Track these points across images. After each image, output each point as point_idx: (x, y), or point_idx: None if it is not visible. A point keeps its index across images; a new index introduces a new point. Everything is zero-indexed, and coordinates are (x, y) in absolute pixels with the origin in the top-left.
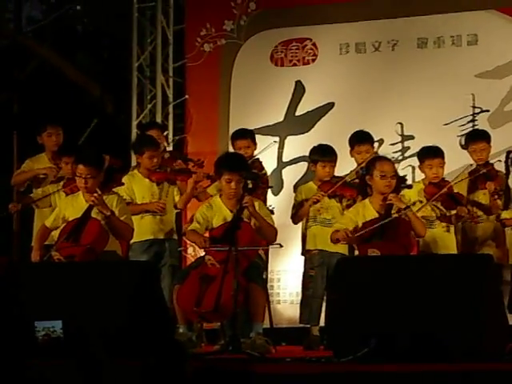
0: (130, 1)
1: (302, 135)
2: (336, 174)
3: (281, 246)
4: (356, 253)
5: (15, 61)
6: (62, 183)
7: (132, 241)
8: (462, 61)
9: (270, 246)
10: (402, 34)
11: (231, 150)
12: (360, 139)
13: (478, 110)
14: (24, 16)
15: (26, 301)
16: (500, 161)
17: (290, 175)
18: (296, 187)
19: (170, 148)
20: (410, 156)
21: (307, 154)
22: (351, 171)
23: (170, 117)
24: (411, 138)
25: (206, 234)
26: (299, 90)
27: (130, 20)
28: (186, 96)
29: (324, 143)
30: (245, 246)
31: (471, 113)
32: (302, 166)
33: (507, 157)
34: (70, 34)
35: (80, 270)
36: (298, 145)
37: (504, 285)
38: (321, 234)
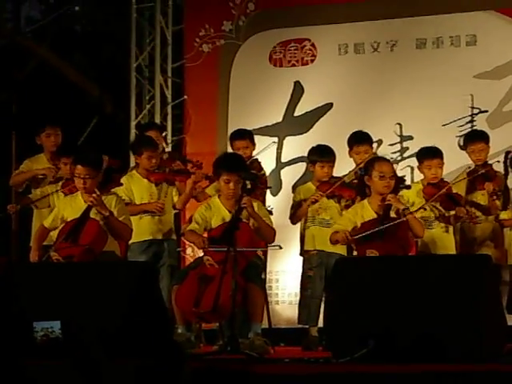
0: (129, 1)
1: (300, 136)
2: (335, 174)
3: (280, 248)
4: (354, 253)
5: (14, 61)
6: (60, 184)
7: (131, 241)
8: (461, 61)
9: (270, 248)
10: (400, 35)
11: (230, 150)
12: (359, 140)
13: (477, 111)
14: (23, 16)
15: (25, 301)
16: (499, 161)
17: (289, 176)
18: (295, 188)
19: (169, 149)
20: (408, 156)
21: (306, 154)
22: (350, 172)
23: (169, 117)
24: (410, 138)
25: (205, 235)
26: (298, 90)
27: (129, 20)
28: (185, 96)
29: (323, 144)
30: (243, 247)
31: (470, 113)
32: (301, 167)
33: (506, 157)
34: (69, 34)
35: (79, 270)
36: (297, 145)
37: (502, 285)
38: (319, 235)
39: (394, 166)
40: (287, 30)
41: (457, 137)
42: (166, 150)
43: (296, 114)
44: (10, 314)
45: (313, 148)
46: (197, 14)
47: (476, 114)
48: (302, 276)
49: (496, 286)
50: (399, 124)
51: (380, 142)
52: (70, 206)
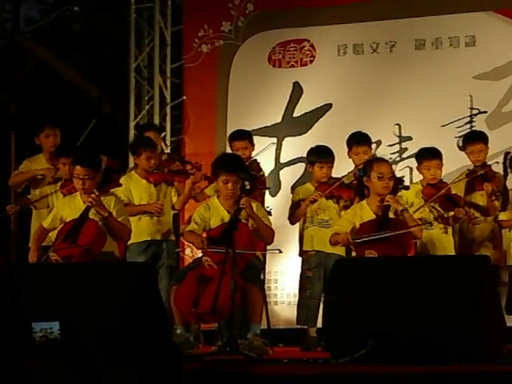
0: (128, 2)
1: (299, 136)
2: (334, 175)
3: (280, 252)
4: (353, 254)
5: (13, 61)
6: (59, 184)
7: (129, 242)
8: (460, 62)
9: (269, 251)
10: (399, 36)
11: (229, 151)
12: (358, 140)
13: (476, 112)
14: (22, 16)
15: (24, 302)
16: (498, 162)
17: (288, 176)
18: (293, 188)
19: (168, 150)
20: (407, 157)
21: (305, 155)
22: (349, 172)
23: (168, 118)
24: (409, 139)
25: (204, 235)
26: (297, 91)
27: (128, 21)
28: (184, 97)
29: (321, 144)
30: (242, 247)
31: (469, 114)
32: (300, 167)
33: (505, 158)
34: (68, 34)
35: (77, 270)
36: (296, 146)
37: (501, 286)
38: (318, 235)
39: (393, 166)
40: (286, 31)
41: (456, 137)
42: (165, 150)
43: (295, 114)
44: (9, 314)
45: (312, 149)
46: (196, 14)
47: (475, 115)
48: (301, 276)
49: (495, 286)
50: (398, 125)
51: (379, 143)
52: (68, 207)
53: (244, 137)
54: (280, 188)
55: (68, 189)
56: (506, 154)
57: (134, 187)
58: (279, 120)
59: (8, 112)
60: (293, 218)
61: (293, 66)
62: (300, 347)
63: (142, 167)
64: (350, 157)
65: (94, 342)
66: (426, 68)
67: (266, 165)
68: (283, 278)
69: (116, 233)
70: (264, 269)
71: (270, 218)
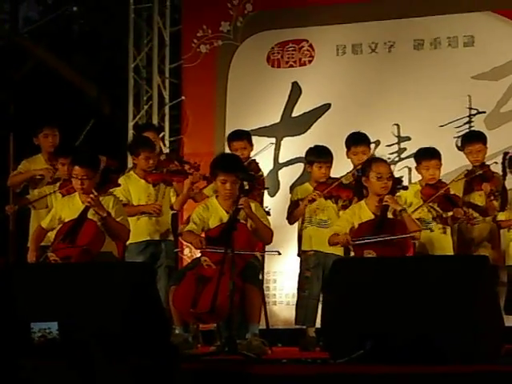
0: (127, 2)
1: (298, 136)
2: (332, 175)
3: (279, 254)
4: (352, 254)
5: (11, 61)
6: (58, 184)
7: (128, 242)
8: (459, 62)
9: (267, 253)
10: (398, 36)
11: (228, 151)
12: (356, 140)
13: (475, 112)
14: (20, 17)
15: (22, 302)
16: (496, 163)
17: (287, 176)
18: (292, 188)
19: (167, 150)
20: (406, 157)
21: (303, 155)
22: (347, 173)
23: (167, 118)
24: (408, 139)
25: (203, 235)
26: (296, 91)
27: (127, 21)
28: (183, 97)
29: (320, 144)
30: (241, 247)
31: (468, 114)
32: (299, 167)
33: (504, 158)
34: (67, 34)
35: (76, 271)
36: (295, 146)
37: (500, 286)
38: (316, 235)
39: (392, 166)
40: (285, 31)
41: (454, 138)
42: (164, 150)
43: (294, 114)
44: (8, 314)
45: (310, 149)
46: (194, 14)
47: (474, 115)
48: (300, 277)
49: (493, 286)
50: (397, 125)
51: (378, 143)
52: (67, 207)
53: (243, 137)
54: (279, 188)
55: (67, 189)
56: (505, 154)
57: (133, 187)
58: (278, 120)
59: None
60: (291, 218)
61: (291, 66)
62: (299, 347)
63: (140, 167)
64: (348, 157)
65: (93, 342)
66: (425, 68)
67: (265, 165)
68: (282, 278)
69: (115, 233)
70: (263, 269)
71: (268, 218)
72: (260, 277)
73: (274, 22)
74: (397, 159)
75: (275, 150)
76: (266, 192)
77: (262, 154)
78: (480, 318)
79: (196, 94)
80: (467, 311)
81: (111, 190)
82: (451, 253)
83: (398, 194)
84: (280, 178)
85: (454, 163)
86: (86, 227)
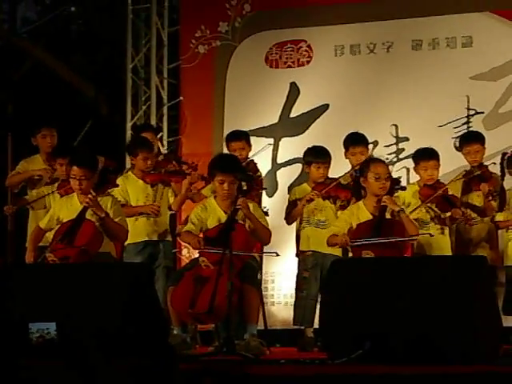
0: (125, 2)
1: (296, 137)
2: (330, 175)
3: (277, 255)
4: (350, 254)
5: (10, 62)
6: (56, 185)
7: (126, 242)
8: (457, 63)
9: (265, 254)
10: (396, 36)
11: (226, 151)
12: (354, 141)
13: (473, 112)
14: (19, 17)
15: (20, 302)
16: (495, 163)
17: (285, 177)
18: (290, 189)
19: (165, 150)
20: (404, 158)
21: (301, 155)
22: (345, 173)
23: (165, 118)
24: (406, 139)
25: (201, 235)
26: (294, 91)
27: (125, 21)
28: (181, 97)
29: (318, 145)
30: (239, 248)
31: (466, 114)
32: (297, 168)
33: (502, 158)
34: (65, 35)
35: (74, 271)
36: (293, 146)
37: (498, 286)
38: (314, 236)
39: (390, 167)
40: (283, 32)
41: (453, 138)
42: (162, 151)
43: (292, 115)
44: (6, 314)
45: (308, 149)
46: (193, 15)
47: (472, 116)
48: (298, 277)
49: (491, 287)
50: (395, 125)
51: (376, 144)
52: (65, 207)
53: (241, 137)
54: (277, 188)
55: (65, 189)
56: (504, 154)
57: (131, 188)
58: (276, 120)
59: (5, 112)
60: (289, 218)
61: (290, 66)
62: (297, 348)
63: (138, 168)
64: (346, 157)
65: (91, 342)
66: (423, 68)
67: (263, 165)
68: (280, 278)
69: (113, 233)
70: (261, 269)
71: (266, 218)
72: (258, 277)
73: (272, 23)
74: (395, 160)
75: (273, 150)
76: (264, 192)
77: (260, 154)
78: (478, 318)
79: (194, 94)
80: (465, 312)
81: (109, 191)
82: (449, 253)
83: (396, 194)
84: (278, 179)
85: (452, 164)
86: (84, 228)
